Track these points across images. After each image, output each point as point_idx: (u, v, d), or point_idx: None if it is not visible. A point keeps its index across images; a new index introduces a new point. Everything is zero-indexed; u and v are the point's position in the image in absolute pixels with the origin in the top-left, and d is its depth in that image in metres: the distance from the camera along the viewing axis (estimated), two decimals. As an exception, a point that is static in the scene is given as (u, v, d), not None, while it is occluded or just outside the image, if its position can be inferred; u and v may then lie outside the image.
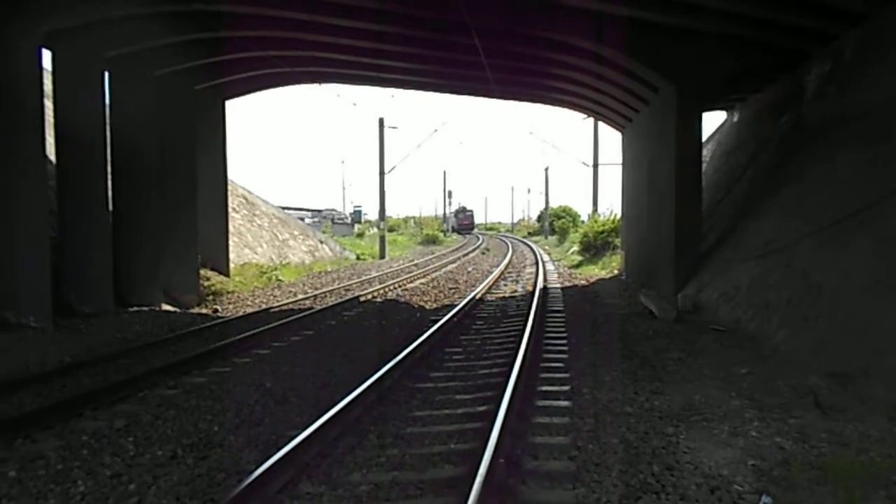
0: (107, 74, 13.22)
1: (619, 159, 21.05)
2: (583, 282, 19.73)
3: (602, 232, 27.22)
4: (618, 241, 23.85)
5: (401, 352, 8.59)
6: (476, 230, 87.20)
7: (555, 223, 54.25)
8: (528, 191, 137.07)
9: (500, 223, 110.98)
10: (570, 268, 25.92)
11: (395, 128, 48.90)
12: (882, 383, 6.38)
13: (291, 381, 8.05)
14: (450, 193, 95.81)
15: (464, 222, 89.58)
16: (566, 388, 7.13)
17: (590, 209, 37.46)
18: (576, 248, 30.43)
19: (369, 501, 4.50)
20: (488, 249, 40.46)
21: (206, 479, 5.00)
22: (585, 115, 25.90)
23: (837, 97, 11.38)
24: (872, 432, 5.23)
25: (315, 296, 17.06)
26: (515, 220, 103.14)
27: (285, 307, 14.92)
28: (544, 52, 14.01)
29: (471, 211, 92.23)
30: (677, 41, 12.08)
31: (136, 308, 13.62)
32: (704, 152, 15.90)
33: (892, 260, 7.69)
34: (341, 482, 4.83)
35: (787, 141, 13.03)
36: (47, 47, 11.88)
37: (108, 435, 6.07)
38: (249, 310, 14.59)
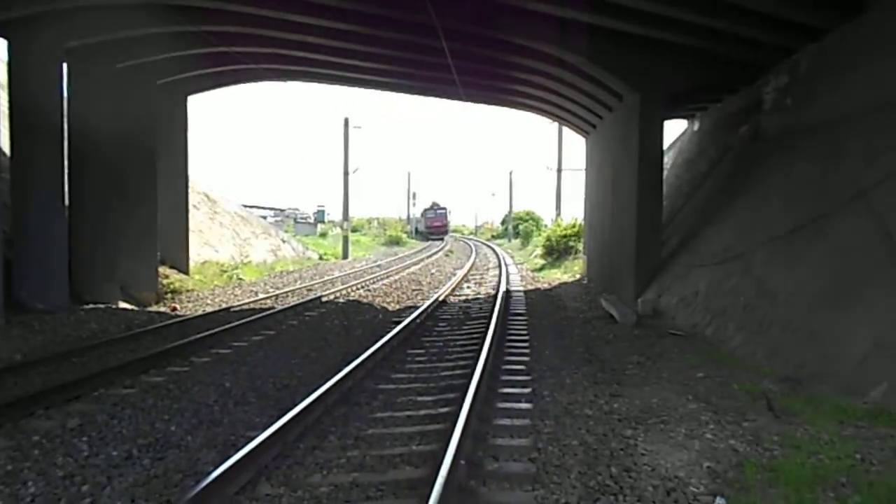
0: (65, 66, 12.90)
1: (583, 165, 21.30)
2: (545, 285, 19.89)
3: (565, 236, 27.49)
4: (580, 246, 24.11)
5: (363, 353, 8.56)
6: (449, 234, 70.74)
7: (518, 227, 54.65)
8: (493, 195, 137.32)
9: (463, 226, 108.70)
10: (532, 271, 26.11)
11: (359, 127, 47.71)
12: (832, 388, 6.57)
13: (251, 381, 7.96)
14: (414, 195, 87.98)
15: (434, 223, 70.92)
16: (527, 390, 7.19)
17: (553, 214, 37.81)
18: (539, 251, 30.67)
19: (329, 503, 4.48)
20: (452, 251, 40.55)
21: (162, 480, 4.91)
22: (551, 120, 26.11)
23: (794, 109, 11.69)
24: (823, 435, 5.38)
25: (276, 295, 16.88)
26: (479, 224, 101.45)
27: (246, 306, 14.74)
28: (510, 55, 14.10)
29: (444, 209, 72.74)
30: (642, 50, 12.27)
31: (92, 305, 13.30)
32: (666, 159, 16.17)
33: (842, 269, 7.93)
34: (301, 483, 4.79)
35: (745, 151, 13.34)
36: (3, 36, 11.54)
37: (61, 435, 5.92)
38: (209, 308, 14.37)
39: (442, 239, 60.58)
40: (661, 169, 13.72)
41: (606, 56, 12.49)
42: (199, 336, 10.18)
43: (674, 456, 5.13)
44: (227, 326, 11.07)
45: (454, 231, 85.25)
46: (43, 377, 8.00)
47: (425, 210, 74.16)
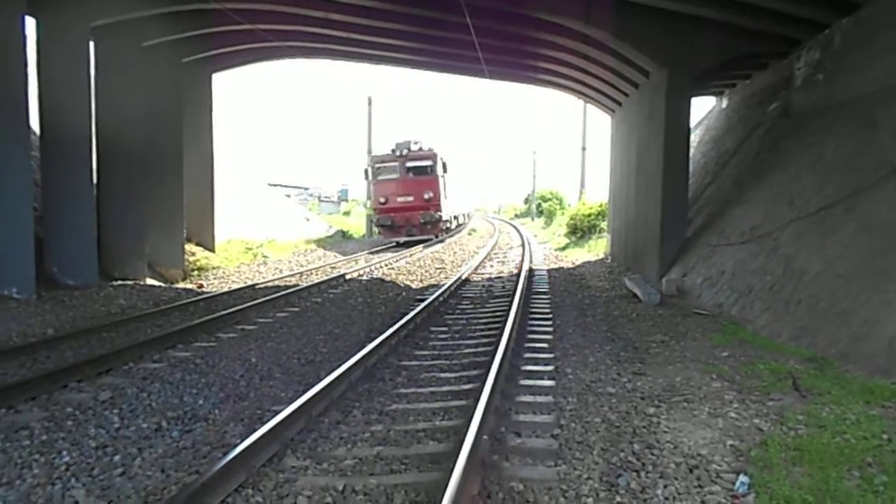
0: (92, 44, 13.01)
1: (607, 143, 21.07)
2: (569, 264, 19.81)
3: (589, 215, 27.28)
4: (604, 225, 23.93)
5: (386, 329, 8.63)
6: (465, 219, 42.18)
7: (542, 206, 54.31)
8: (516, 173, 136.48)
9: (486, 205, 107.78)
10: (556, 250, 26.01)
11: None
12: (860, 368, 6.49)
13: (277, 356, 8.07)
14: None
15: (399, 207, 27.87)
16: (550, 367, 7.19)
17: (577, 193, 37.50)
18: (562, 230, 30.51)
19: (353, 476, 4.54)
20: (475, 230, 40.47)
21: (191, 452, 5.02)
22: (577, 98, 25.83)
23: (825, 85, 11.43)
24: (849, 415, 5.32)
25: (301, 273, 17.02)
26: (502, 203, 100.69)
27: (271, 283, 14.89)
28: (535, 32, 13.93)
29: (429, 161, 28.42)
30: (669, 25, 12.05)
31: (120, 281, 13.54)
32: (693, 137, 15.95)
33: (875, 248, 7.79)
34: (326, 456, 4.86)
35: (775, 128, 13.10)
36: (31, 15, 11.66)
37: (93, 407, 6.07)
38: (235, 286, 14.55)
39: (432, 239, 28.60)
40: (688, 147, 13.52)
41: (633, 32, 12.28)
42: (225, 312, 10.32)
43: (697, 434, 5.12)
44: (252, 303, 11.21)
45: (476, 210, 62.07)
46: (74, 351, 8.18)
47: (379, 162, 29.02)
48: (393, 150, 28.45)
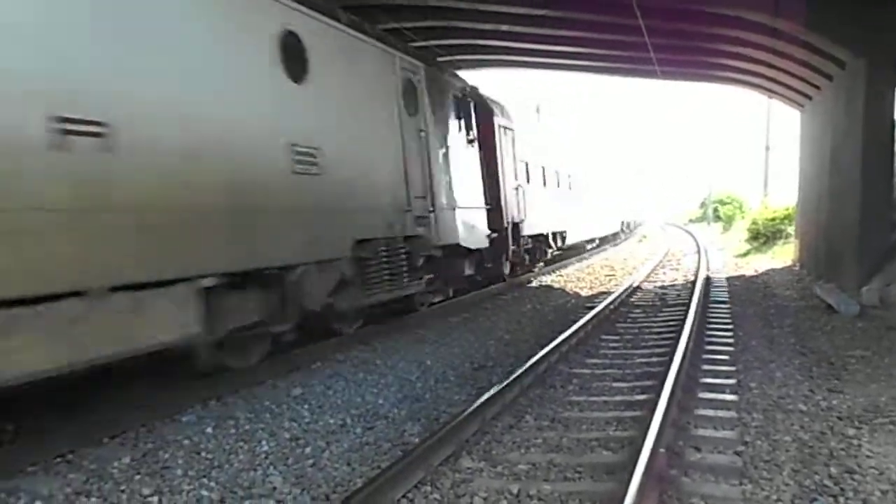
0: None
1: (792, 141, 19.49)
2: (751, 272, 18.56)
3: (773, 219, 25.41)
4: (791, 229, 22.18)
5: (556, 337, 8.61)
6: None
7: (718, 209, 51.44)
8: (688, 176, 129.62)
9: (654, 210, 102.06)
10: (735, 257, 24.47)
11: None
12: None
13: (450, 360, 8.32)
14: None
15: None
16: (732, 381, 6.79)
17: (758, 195, 35.03)
18: (743, 236, 28.66)
19: (528, 480, 4.58)
20: (645, 237, 39.11)
21: (373, 448, 5.33)
22: (762, 94, 24.19)
23: None
24: None
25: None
26: (674, 208, 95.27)
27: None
28: (713, 27, 13.24)
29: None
30: (867, 10, 10.95)
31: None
32: (897, 131, 14.35)
33: None
34: (500, 460, 4.95)
35: None
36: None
37: (287, 401, 6.63)
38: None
39: None
40: (892, 142, 12.20)
41: (826, 20, 11.29)
42: (402, 318, 10.82)
43: (907, 461, 4.61)
44: (426, 309, 11.65)
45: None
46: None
47: None
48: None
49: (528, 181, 16.83)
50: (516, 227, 15.23)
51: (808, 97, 16.64)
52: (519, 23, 13.94)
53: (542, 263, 18.80)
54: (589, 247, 26.85)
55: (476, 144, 13.08)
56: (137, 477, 4.83)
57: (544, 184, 18.88)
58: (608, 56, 17.03)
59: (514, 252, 15.27)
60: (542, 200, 18.01)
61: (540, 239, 17.93)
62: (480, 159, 13.26)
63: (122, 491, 4.61)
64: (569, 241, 21.48)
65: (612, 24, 13.53)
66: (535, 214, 16.93)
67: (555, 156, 20.77)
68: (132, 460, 5.12)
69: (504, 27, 14.15)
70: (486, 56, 17.59)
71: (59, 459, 5.11)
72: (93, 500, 4.49)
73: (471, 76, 15.44)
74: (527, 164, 17.01)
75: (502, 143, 14.80)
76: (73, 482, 4.72)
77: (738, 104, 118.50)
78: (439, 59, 16.31)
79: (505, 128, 15.10)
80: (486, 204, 13.36)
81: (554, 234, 19.42)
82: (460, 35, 15.24)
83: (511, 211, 14.85)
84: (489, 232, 13.37)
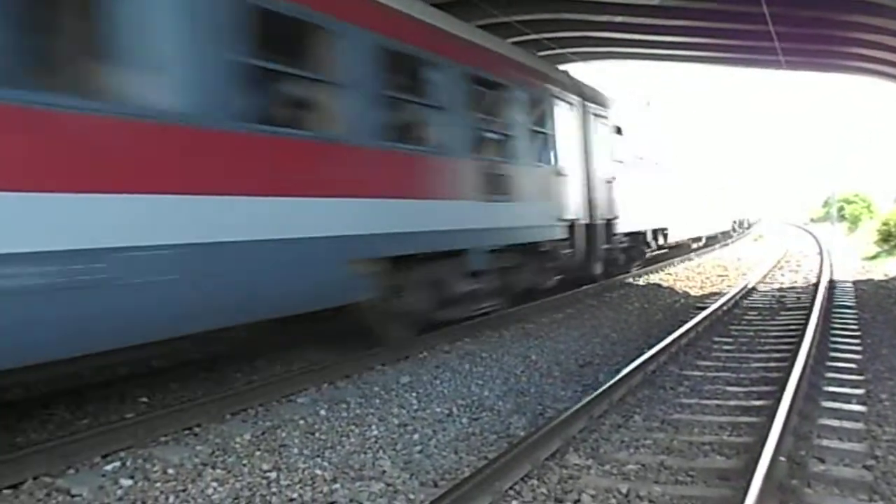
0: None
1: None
2: (880, 276, 17.30)
3: (907, 219, 23.61)
4: (928, 231, 20.50)
5: (665, 337, 8.37)
6: None
7: (843, 209, 48.30)
8: (810, 174, 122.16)
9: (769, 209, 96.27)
10: (863, 259, 22.88)
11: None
12: None
13: (555, 356, 8.27)
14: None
15: None
16: (860, 391, 6.37)
17: (891, 194, 32.58)
18: (872, 237, 26.75)
19: (637, 481, 4.49)
20: (761, 236, 37.25)
21: (479, 439, 5.37)
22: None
23: None
24: None
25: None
26: (795, 207, 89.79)
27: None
28: (842, 14, 12.47)
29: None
30: None
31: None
32: None
33: None
34: (608, 458, 4.87)
35: None
36: None
37: (395, 388, 6.80)
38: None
39: None
40: None
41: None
42: (508, 311, 10.83)
43: None
44: (530, 304, 11.61)
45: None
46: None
47: None
48: None
49: (624, 174, 15.31)
50: (609, 224, 14.28)
51: (952, 87, 15.33)
52: (633, 13, 13.60)
53: (639, 264, 17.72)
54: (694, 245, 25.39)
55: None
56: (258, 453, 5.10)
57: (643, 177, 17.14)
58: (725, 46, 16.35)
59: (608, 251, 14.35)
60: (639, 195, 16.50)
61: (638, 238, 16.85)
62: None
63: (244, 465, 4.88)
64: (671, 240, 20.13)
65: (730, 13, 12.97)
66: (632, 210, 15.70)
67: (658, 148, 19.23)
68: (252, 436, 5.41)
69: (618, 18, 13.86)
70: (596, 48, 17.29)
71: (186, 432, 5.48)
72: (218, 471, 4.78)
73: (577, 69, 15.18)
74: (624, 156, 15.50)
75: (590, 132, 13.48)
76: (201, 454, 5.05)
77: (867, 97, 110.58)
78: (548, 52, 16.16)
79: (596, 115, 13.82)
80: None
81: (654, 232, 18.19)
82: (571, 27, 15.04)
83: (601, 207, 13.73)
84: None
